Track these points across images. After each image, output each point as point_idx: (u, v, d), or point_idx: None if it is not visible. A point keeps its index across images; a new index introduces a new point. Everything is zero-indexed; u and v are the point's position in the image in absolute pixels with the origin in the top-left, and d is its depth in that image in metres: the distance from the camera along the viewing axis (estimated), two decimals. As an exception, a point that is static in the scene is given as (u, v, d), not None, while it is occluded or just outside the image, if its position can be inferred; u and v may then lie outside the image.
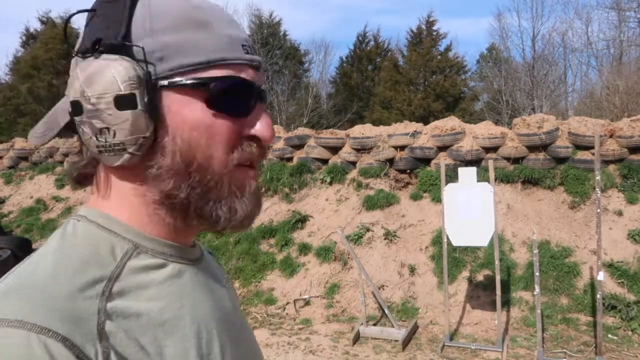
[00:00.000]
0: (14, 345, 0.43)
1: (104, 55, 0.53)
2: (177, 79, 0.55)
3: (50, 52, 19.80)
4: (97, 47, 0.54)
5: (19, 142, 10.71)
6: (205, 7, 0.59)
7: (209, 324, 0.60)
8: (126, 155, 0.55)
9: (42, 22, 22.04)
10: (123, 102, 0.53)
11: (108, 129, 0.54)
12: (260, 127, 0.60)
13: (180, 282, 0.60)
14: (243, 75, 0.59)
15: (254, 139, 0.60)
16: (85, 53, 0.54)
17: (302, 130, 7.88)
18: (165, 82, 0.55)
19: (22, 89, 19.66)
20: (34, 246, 5.90)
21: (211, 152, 0.57)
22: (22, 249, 5.03)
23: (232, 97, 0.58)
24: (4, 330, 0.43)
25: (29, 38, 22.37)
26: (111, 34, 0.54)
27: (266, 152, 0.64)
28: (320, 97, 25.43)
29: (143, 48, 0.54)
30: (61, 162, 9.88)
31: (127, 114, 0.53)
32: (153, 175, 0.57)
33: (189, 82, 0.55)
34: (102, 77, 0.53)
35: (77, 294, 0.50)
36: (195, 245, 0.67)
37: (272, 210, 7.18)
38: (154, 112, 0.54)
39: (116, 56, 0.53)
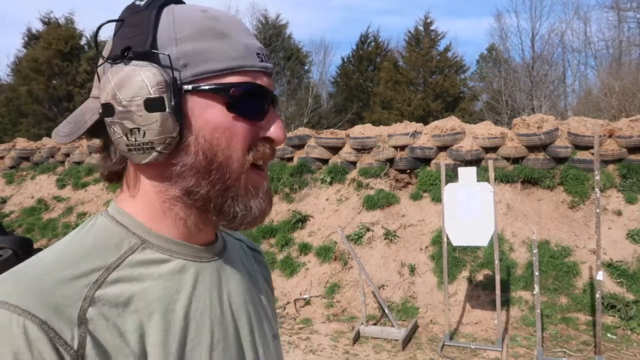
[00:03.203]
0: None
1: (134, 62, 0.58)
2: (199, 84, 0.60)
3: (49, 52, 19.78)
4: (126, 54, 0.58)
5: (20, 142, 10.72)
6: (222, 18, 0.64)
7: (202, 321, 0.62)
8: (154, 154, 0.59)
9: (44, 23, 22.04)
10: (153, 104, 0.57)
11: (138, 129, 0.58)
12: (274, 130, 0.65)
13: (180, 277, 0.63)
14: (258, 81, 0.63)
15: (268, 140, 0.65)
16: (115, 59, 0.59)
17: (302, 130, 7.90)
18: (189, 87, 0.59)
19: (22, 90, 19.66)
20: (35, 246, 5.91)
21: (230, 152, 0.61)
22: (24, 248, 5.04)
23: (249, 102, 0.62)
24: None
25: (31, 39, 22.37)
26: (139, 42, 0.58)
27: (275, 153, 0.68)
28: (321, 97, 25.46)
29: (169, 55, 0.59)
30: (62, 162, 9.91)
31: (157, 115, 0.57)
32: (177, 173, 0.61)
33: (211, 87, 0.60)
34: (133, 82, 0.57)
35: (68, 281, 0.54)
36: (214, 243, 0.70)
37: (273, 210, 7.19)
38: (180, 114, 0.59)
39: (145, 62, 0.58)
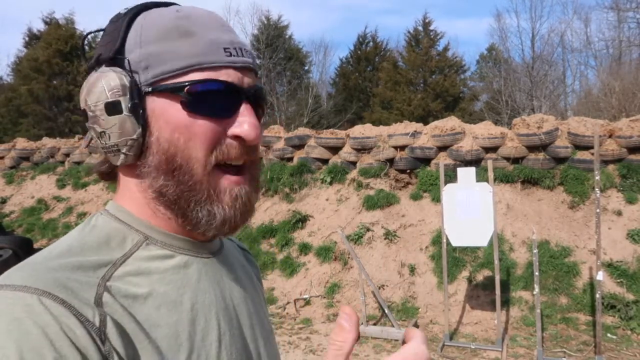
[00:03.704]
0: (19, 305, 0.50)
1: (101, 68, 0.61)
2: (158, 85, 0.60)
3: (49, 52, 19.77)
4: (98, 61, 0.62)
5: (20, 142, 10.73)
6: (193, 16, 0.63)
7: (209, 313, 0.64)
8: (122, 156, 0.61)
9: (46, 23, 22.06)
10: (111, 108, 0.59)
11: (104, 132, 0.61)
12: (242, 127, 0.61)
13: (185, 272, 0.64)
14: (223, 77, 0.61)
15: (238, 139, 0.62)
16: (91, 68, 0.62)
17: (302, 130, 7.91)
18: (149, 89, 0.60)
19: (22, 90, 19.66)
20: (35, 246, 5.91)
21: (190, 152, 0.60)
22: (24, 248, 5.04)
23: (210, 99, 0.60)
24: (12, 293, 0.51)
25: (32, 39, 22.38)
26: (108, 49, 0.61)
27: (254, 153, 0.65)
28: (321, 97, 25.49)
29: (128, 59, 0.60)
30: (62, 162, 9.91)
31: (115, 118, 0.60)
32: (145, 173, 0.63)
33: (166, 87, 0.60)
34: (96, 87, 0.60)
35: (80, 271, 0.56)
36: (212, 240, 0.71)
37: (273, 210, 7.20)
38: (139, 116, 0.60)
39: (107, 68, 0.60)
